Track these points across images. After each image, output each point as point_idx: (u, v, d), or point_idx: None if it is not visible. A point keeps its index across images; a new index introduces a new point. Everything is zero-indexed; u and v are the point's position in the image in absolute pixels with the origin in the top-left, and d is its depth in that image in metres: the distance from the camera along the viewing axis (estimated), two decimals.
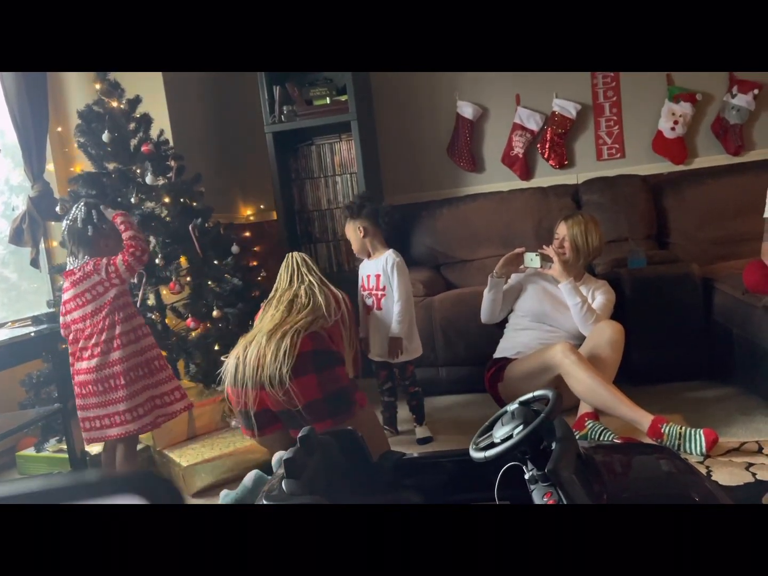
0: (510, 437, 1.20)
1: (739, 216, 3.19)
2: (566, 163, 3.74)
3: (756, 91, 3.47)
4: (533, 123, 3.72)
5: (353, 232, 2.63)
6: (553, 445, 1.16)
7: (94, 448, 2.63)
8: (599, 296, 2.66)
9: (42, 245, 3.05)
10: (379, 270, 2.58)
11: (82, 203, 2.16)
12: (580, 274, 2.74)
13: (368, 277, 2.62)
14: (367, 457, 1.50)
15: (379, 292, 2.58)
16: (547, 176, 3.76)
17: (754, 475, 1.87)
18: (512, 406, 1.29)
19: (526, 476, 1.24)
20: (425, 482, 1.46)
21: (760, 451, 2.03)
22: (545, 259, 2.67)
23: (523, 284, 2.81)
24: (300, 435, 1.35)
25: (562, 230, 2.74)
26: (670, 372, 2.78)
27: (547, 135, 3.72)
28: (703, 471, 1.92)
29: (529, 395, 1.30)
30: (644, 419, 2.14)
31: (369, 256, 2.65)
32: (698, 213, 3.31)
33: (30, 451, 2.69)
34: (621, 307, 2.81)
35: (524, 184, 3.76)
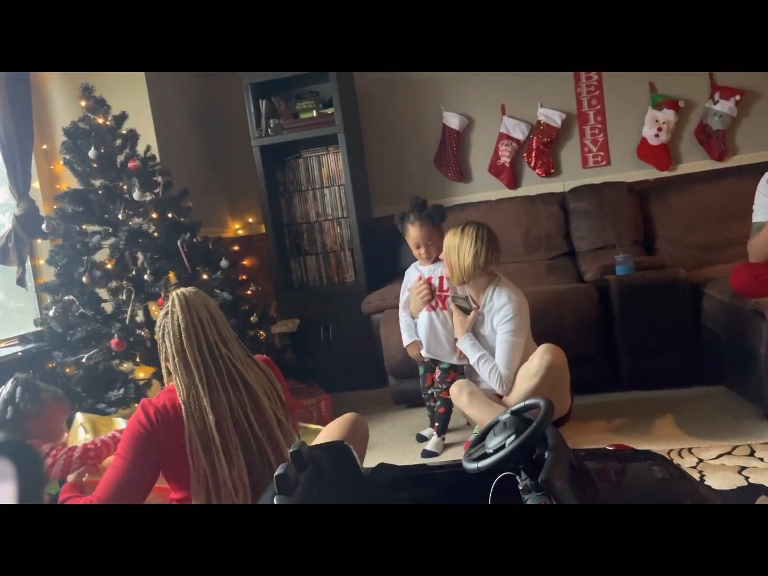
0: (502, 447, 1.19)
1: (724, 221, 3.22)
2: (552, 171, 3.77)
3: (737, 97, 3.51)
4: (519, 132, 3.75)
5: (426, 232, 2.57)
6: (546, 454, 1.15)
7: None
8: (500, 332, 2.36)
9: (28, 263, 3.03)
10: (443, 272, 2.55)
11: (12, 380, 1.85)
12: (481, 283, 2.42)
13: (430, 279, 2.61)
14: (358, 470, 1.49)
15: (443, 293, 2.58)
16: (534, 185, 3.79)
17: (746, 478, 1.87)
18: (504, 416, 1.29)
19: (520, 486, 1.23)
20: (418, 494, 1.45)
21: (751, 454, 2.04)
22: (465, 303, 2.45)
23: None
24: (291, 450, 1.34)
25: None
26: (661, 377, 2.79)
27: (533, 144, 3.74)
28: (696, 476, 1.92)
29: (521, 404, 1.29)
30: None
31: (429, 260, 2.63)
32: (684, 218, 3.34)
33: None
34: (609, 313, 2.83)
35: (512, 193, 3.78)
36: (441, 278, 2.59)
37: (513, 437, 1.18)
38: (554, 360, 2.27)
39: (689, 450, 2.14)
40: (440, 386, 2.61)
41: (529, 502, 1.18)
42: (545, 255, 3.50)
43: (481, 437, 1.32)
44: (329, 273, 3.74)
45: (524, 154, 3.79)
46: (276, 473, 1.23)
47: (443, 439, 2.58)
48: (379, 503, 1.42)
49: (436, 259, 2.62)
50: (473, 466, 1.21)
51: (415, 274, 2.68)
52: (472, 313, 2.41)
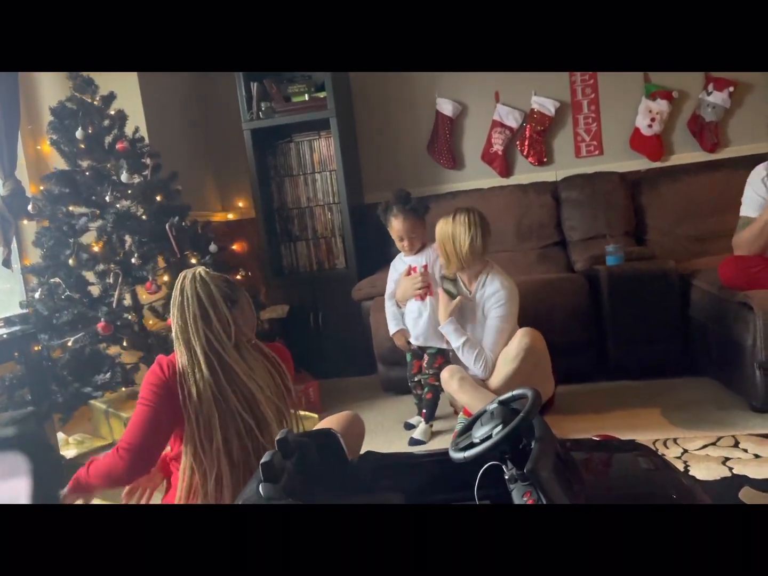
0: (489, 437, 1.19)
1: (715, 213, 3.22)
2: (545, 160, 3.75)
3: (731, 89, 3.51)
4: (512, 120, 3.73)
5: (409, 225, 2.58)
6: (532, 444, 1.15)
7: (69, 452, 2.59)
8: (490, 317, 2.37)
9: (14, 245, 2.99)
10: (428, 262, 2.61)
11: None
12: (475, 270, 2.42)
13: (414, 269, 2.63)
14: (344, 457, 1.48)
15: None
16: (526, 173, 3.77)
17: (730, 469, 1.88)
18: (491, 406, 1.29)
19: (506, 476, 1.23)
20: (404, 483, 1.45)
21: (736, 445, 2.05)
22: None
23: None
24: (277, 438, 1.33)
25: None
26: (648, 368, 2.80)
27: (527, 132, 3.73)
28: (681, 466, 1.93)
29: (509, 394, 1.29)
30: None
31: (412, 252, 2.65)
32: (675, 210, 3.35)
33: None
34: (598, 303, 2.83)
35: (504, 182, 3.77)
36: (425, 267, 2.60)
37: (500, 427, 1.19)
38: (532, 343, 2.28)
39: (674, 440, 2.15)
40: (428, 372, 2.63)
41: (514, 492, 1.18)
42: (536, 244, 3.50)
43: (468, 427, 1.32)
44: (320, 259, 3.73)
45: (517, 143, 3.78)
46: (262, 461, 1.22)
47: (431, 426, 2.58)
48: (365, 491, 1.43)
49: (419, 250, 2.64)
50: (459, 455, 1.21)
51: (401, 266, 2.69)
52: (458, 297, 2.41)
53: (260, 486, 1.19)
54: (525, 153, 3.77)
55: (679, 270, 2.77)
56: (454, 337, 2.39)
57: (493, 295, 2.37)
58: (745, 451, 2.00)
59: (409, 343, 2.68)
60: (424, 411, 2.64)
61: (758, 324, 2.18)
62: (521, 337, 2.29)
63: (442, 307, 2.42)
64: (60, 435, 2.63)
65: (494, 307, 2.36)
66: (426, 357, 2.64)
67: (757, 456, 1.95)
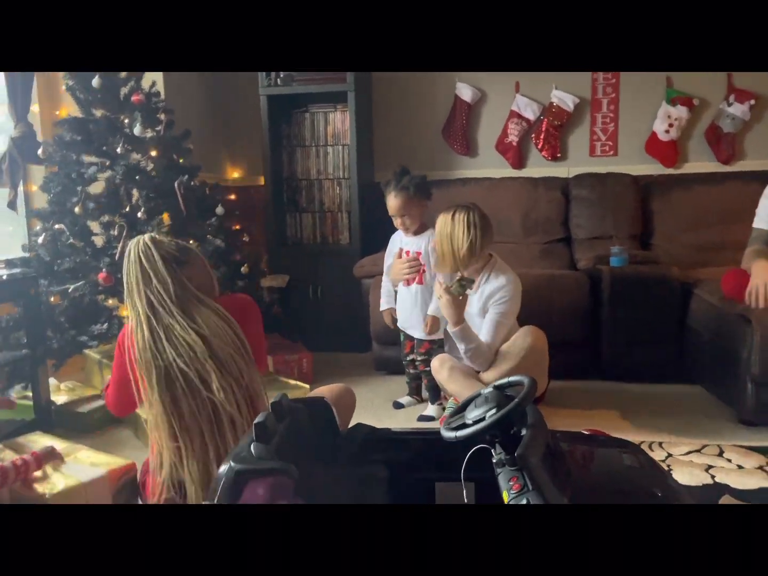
0: (482, 420, 1.20)
1: (722, 224, 3.22)
2: (559, 155, 3.74)
3: (752, 102, 3.49)
4: (530, 112, 3.71)
5: (401, 203, 2.52)
6: (523, 431, 1.16)
7: (60, 398, 2.60)
8: (492, 311, 2.34)
9: (21, 188, 2.98)
10: (422, 248, 2.57)
11: None
12: (477, 266, 2.36)
13: (407, 252, 2.61)
14: (335, 427, 1.50)
15: (422, 267, 2.57)
16: (538, 167, 3.76)
17: (712, 477, 1.91)
18: (486, 390, 1.30)
19: (494, 459, 1.24)
20: (393, 458, 1.46)
21: (720, 454, 2.07)
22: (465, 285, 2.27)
23: None
24: (272, 401, 1.34)
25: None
26: (641, 371, 2.82)
27: (543, 126, 3.71)
28: None
29: (504, 380, 1.30)
30: None
31: (409, 232, 2.61)
32: (683, 217, 3.34)
33: None
34: (599, 303, 2.84)
35: (515, 173, 3.76)
36: (418, 254, 2.57)
37: (493, 411, 1.19)
38: (535, 343, 2.28)
39: (660, 444, 2.17)
40: (418, 358, 2.64)
41: (501, 476, 1.19)
42: (541, 239, 3.49)
43: (462, 408, 1.33)
44: (324, 233, 3.72)
45: (532, 135, 3.76)
46: (255, 421, 1.23)
47: (441, 405, 2.61)
48: (353, 463, 1.44)
49: (418, 232, 2.60)
50: (451, 434, 1.22)
51: (398, 243, 2.67)
52: (464, 297, 2.32)
53: (252, 445, 1.20)
54: (539, 146, 3.75)
55: (682, 278, 2.77)
56: (465, 341, 2.29)
57: (497, 291, 2.34)
58: (729, 461, 2.02)
59: (395, 323, 2.70)
60: (414, 395, 2.70)
61: (755, 338, 2.20)
62: (525, 336, 2.29)
63: (452, 308, 2.25)
64: (52, 380, 2.64)
65: (497, 303, 2.34)
66: (415, 341, 2.65)
67: (740, 467, 1.97)
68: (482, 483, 1.35)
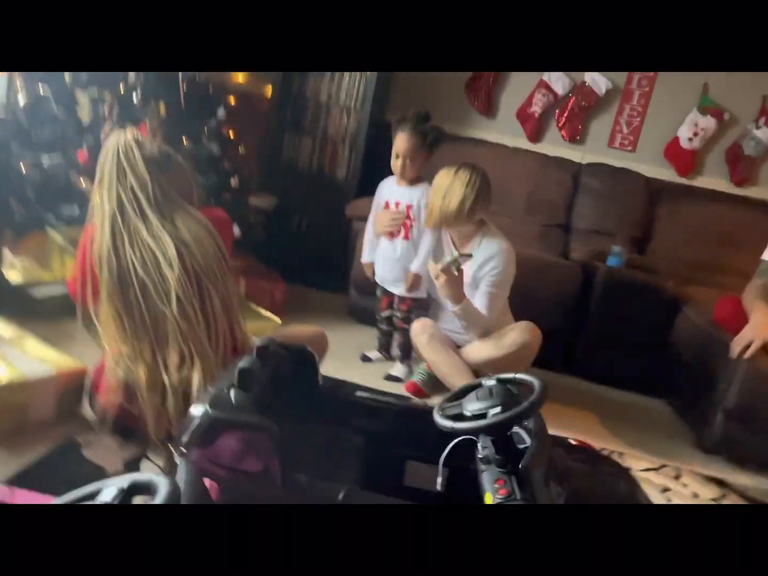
0: (482, 416, 1.11)
1: (723, 246, 3.18)
2: (578, 138, 3.61)
3: None
4: (560, 86, 3.54)
5: (411, 146, 2.34)
6: (524, 436, 1.08)
7: (11, 274, 2.42)
8: (486, 282, 2.23)
9: None
10: (413, 201, 2.41)
11: None
12: (468, 231, 2.26)
13: (398, 204, 2.45)
14: (316, 381, 1.40)
15: (410, 222, 2.42)
16: (554, 145, 3.63)
17: (668, 500, 1.90)
18: (489, 382, 1.21)
19: (480, 455, 1.17)
20: (372, 426, 1.38)
21: (677, 477, 2.07)
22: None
23: None
24: (259, 344, 1.23)
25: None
26: (613, 377, 2.80)
27: (570, 103, 3.56)
28: None
29: (510, 375, 1.21)
30: None
31: (404, 179, 2.44)
32: (686, 230, 3.28)
33: None
34: (586, 299, 2.78)
35: (529, 146, 3.62)
36: (408, 208, 2.42)
37: (498, 409, 1.11)
38: (530, 342, 2.22)
39: (620, 454, 2.16)
40: (396, 314, 2.54)
41: (485, 474, 1.12)
42: (540, 220, 3.39)
43: (459, 395, 1.25)
44: (322, 162, 3.53)
45: (556, 111, 3.60)
46: (240, 365, 1.12)
47: (408, 366, 2.52)
48: (331, 423, 1.35)
49: (412, 182, 2.44)
50: (447, 424, 1.14)
51: (386, 192, 2.50)
52: (460, 272, 2.16)
53: (232, 391, 1.09)
54: (560, 124, 3.61)
55: (675, 292, 2.73)
56: (468, 318, 2.20)
57: (490, 259, 2.24)
58: (685, 486, 2.02)
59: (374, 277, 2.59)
60: (386, 350, 2.62)
61: (738, 370, 2.17)
62: (522, 332, 2.21)
63: (451, 287, 2.12)
64: (6, 252, 2.45)
65: (491, 273, 2.24)
66: (396, 297, 2.54)
67: (695, 495, 1.97)
68: (455, 470, 1.29)
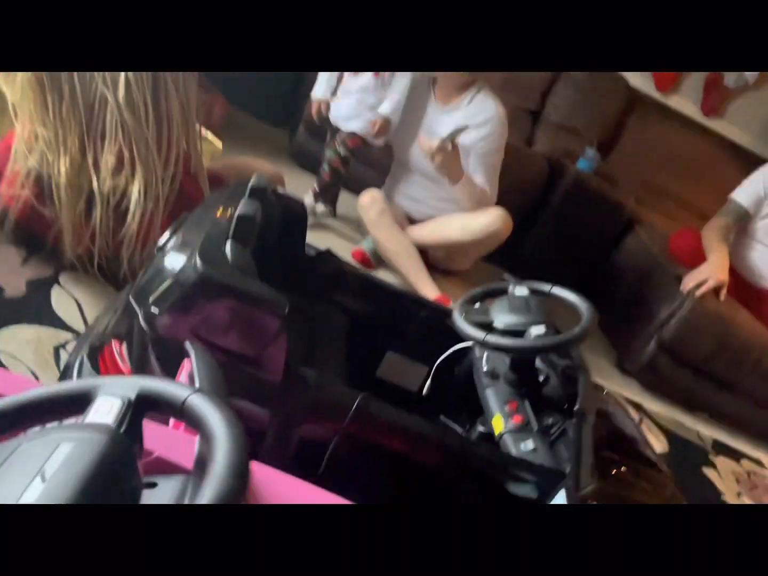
0: (518, 332, 0.94)
1: (682, 176, 3.12)
2: None
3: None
4: None
5: None
6: (568, 371, 0.93)
7: None
8: (480, 148, 1.99)
9: None
10: None
11: None
12: (457, 81, 2.02)
13: None
14: (303, 245, 1.15)
15: None
16: None
17: None
18: (522, 291, 1.03)
19: (484, 367, 1.01)
20: (355, 306, 1.17)
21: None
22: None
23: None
24: (254, 184, 0.94)
25: None
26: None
27: None
28: None
29: (547, 287, 1.04)
30: (430, 293, 1.97)
31: None
32: (650, 149, 3.18)
33: None
34: (545, 195, 2.64)
35: None
36: None
37: (542, 329, 0.93)
38: (500, 233, 2.05)
39: None
40: (339, 149, 2.21)
41: (491, 390, 0.97)
42: (513, 100, 3.10)
43: (482, 295, 1.06)
44: None
45: None
46: (240, 212, 0.85)
47: (328, 209, 2.25)
48: (316, 296, 1.12)
49: None
50: (477, 334, 0.94)
51: None
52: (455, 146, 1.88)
53: (228, 244, 0.82)
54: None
55: (633, 211, 2.66)
56: (467, 195, 1.98)
57: (484, 124, 1.97)
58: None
59: (325, 117, 2.25)
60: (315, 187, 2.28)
61: (685, 306, 2.16)
62: (495, 219, 2.00)
63: (450, 165, 1.88)
64: None
65: (485, 138, 1.97)
66: (343, 133, 2.20)
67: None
68: (448, 374, 1.14)
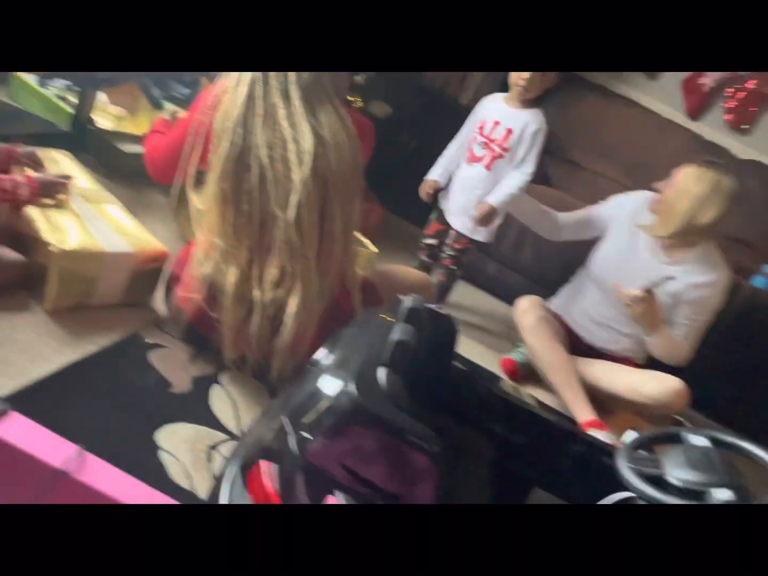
0: (702, 494, 0.81)
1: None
2: (745, 127, 3.10)
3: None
4: None
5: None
6: None
7: (102, 120, 2.16)
8: (692, 313, 1.88)
9: None
10: (516, 126, 2.05)
11: None
12: (684, 242, 1.88)
13: (497, 124, 2.07)
14: (450, 362, 1.11)
15: (499, 149, 2.06)
16: (713, 128, 3.13)
17: None
18: (698, 439, 0.90)
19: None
20: (502, 433, 1.10)
21: None
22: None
23: (608, 221, 2.06)
24: (410, 305, 0.93)
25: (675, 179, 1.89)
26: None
27: (749, 84, 3.04)
28: None
29: (731, 439, 0.91)
30: (584, 416, 1.83)
31: (518, 98, 2.07)
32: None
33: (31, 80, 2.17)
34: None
35: (685, 122, 3.14)
36: (508, 132, 2.04)
37: (727, 493, 0.80)
38: (672, 406, 1.90)
39: None
40: (448, 252, 2.20)
41: None
42: None
43: (651, 440, 0.95)
44: (448, 80, 3.12)
45: (730, 89, 3.08)
46: (397, 337, 0.84)
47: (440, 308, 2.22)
48: (461, 420, 1.07)
49: (525, 105, 2.06)
50: (647, 491, 0.83)
51: (489, 109, 2.12)
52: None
53: (381, 371, 0.80)
54: (729, 105, 3.10)
55: None
56: (663, 347, 1.91)
57: (705, 286, 1.85)
58: None
59: (435, 199, 2.24)
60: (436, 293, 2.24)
61: None
62: (668, 393, 1.85)
63: (651, 315, 1.81)
64: (102, 97, 2.18)
65: (708, 299, 1.87)
66: (452, 232, 2.19)
67: None
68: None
